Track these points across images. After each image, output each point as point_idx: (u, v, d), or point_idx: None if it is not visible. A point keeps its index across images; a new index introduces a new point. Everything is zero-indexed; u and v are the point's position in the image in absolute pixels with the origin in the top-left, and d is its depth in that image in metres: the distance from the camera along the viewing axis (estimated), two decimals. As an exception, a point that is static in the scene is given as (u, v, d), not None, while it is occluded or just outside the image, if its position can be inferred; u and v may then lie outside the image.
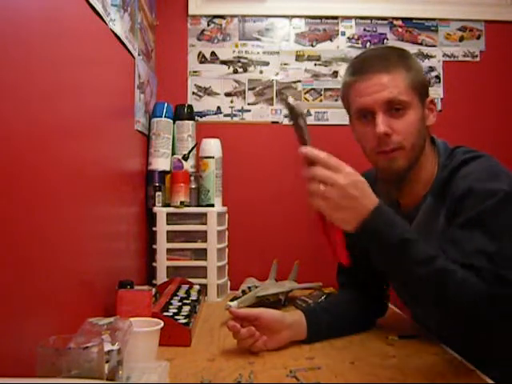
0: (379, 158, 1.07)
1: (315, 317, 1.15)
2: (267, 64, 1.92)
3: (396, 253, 0.88)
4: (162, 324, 0.97)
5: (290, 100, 0.92)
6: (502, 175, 1.01)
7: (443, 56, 1.94)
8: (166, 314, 1.16)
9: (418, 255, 0.88)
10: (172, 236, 1.62)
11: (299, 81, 1.92)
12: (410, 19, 1.94)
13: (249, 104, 1.91)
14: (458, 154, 1.09)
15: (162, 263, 1.61)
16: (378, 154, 1.06)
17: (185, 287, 1.45)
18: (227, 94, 1.91)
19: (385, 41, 1.93)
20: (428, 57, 1.94)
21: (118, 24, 1.29)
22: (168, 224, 1.62)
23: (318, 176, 0.86)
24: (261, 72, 1.92)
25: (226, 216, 1.74)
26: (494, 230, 0.96)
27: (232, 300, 1.33)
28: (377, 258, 0.93)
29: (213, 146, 1.72)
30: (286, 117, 1.91)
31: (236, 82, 1.91)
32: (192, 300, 1.33)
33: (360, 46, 1.93)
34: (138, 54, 1.54)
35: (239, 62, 1.92)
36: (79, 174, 1.02)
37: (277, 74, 1.92)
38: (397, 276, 0.95)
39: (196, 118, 1.86)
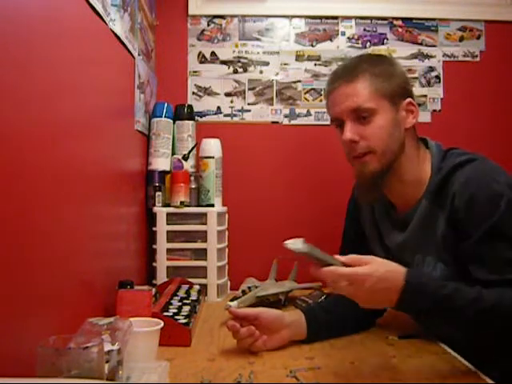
0: (354, 162, 1.11)
1: (315, 316, 1.15)
2: (267, 64, 1.92)
3: (437, 314, 0.92)
4: (162, 324, 0.97)
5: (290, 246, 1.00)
6: (501, 177, 1.02)
7: (443, 56, 1.94)
8: (166, 313, 1.16)
9: (462, 303, 0.90)
10: (172, 236, 1.62)
11: (299, 81, 1.92)
12: (410, 19, 1.94)
13: (249, 104, 1.91)
14: (452, 156, 1.09)
15: (162, 263, 1.61)
16: (352, 158, 1.10)
17: (185, 287, 1.45)
18: (227, 94, 1.91)
19: (385, 41, 1.93)
20: (428, 57, 1.93)
21: (118, 24, 1.29)
22: (168, 224, 1.62)
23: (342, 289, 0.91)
24: (261, 72, 1.92)
25: (226, 216, 1.74)
26: (505, 245, 0.97)
27: (232, 300, 1.33)
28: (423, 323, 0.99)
29: (213, 146, 1.72)
30: (285, 116, 1.91)
31: (236, 82, 1.91)
32: (192, 300, 1.33)
33: (360, 46, 1.93)
34: (138, 54, 1.54)
35: (239, 62, 1.92)
36: (79, 174, 1.02)
37: (277, 74, 1.92)
38: (454, 328, 0.97)
39: (196, 118, 1.86)
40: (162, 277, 1.59)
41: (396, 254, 1.17)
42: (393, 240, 1.17)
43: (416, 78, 1.90)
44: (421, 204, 1.09)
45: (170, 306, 1.24)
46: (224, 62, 1.92)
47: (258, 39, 1.92)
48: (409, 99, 1.11)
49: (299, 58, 1.93)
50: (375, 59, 1.15)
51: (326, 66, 1.92)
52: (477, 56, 1.94)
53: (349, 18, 1.93)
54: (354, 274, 0.88)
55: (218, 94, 1.91)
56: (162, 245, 1.61)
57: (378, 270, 0.89)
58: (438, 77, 1.93)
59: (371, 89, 1.07)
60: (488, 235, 0.98)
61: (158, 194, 1.67)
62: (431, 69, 1.93)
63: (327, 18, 1.93)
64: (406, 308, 0.93)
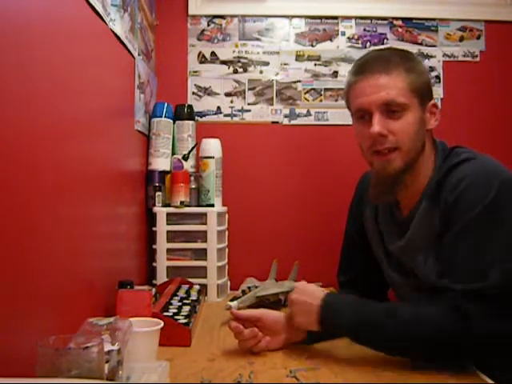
0: (374, 159, 1.07)
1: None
2: (267, 64, 1.92)
3: (359, 335, 1.00)
4: (162, 324, 0.97)
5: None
6: (495, 179, 0.98)
7: (443, 56, 1.94)
8: (166, 314, 1.16)
9: (378, 321, 0.97)
10: (172, 236, 1.62)
11: (299, 81, 1.92)
12: (410, 19, 1.94)
13: (249, 104, 1.91)
14: (453, 155, 1.07)
15: (162, 263, 1.61)
16: (373, 153, 1.06)
17: (185, 287, 1.45)
18: (227, 94, 1.91)
19: (385, 41, 1.93)
20: (428, 57, 1.93)
21: (118, 24, 1.29)
22: (168, 224, 1.62)
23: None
24: (261, 72, 1.92)
25: (226, 216, 1.74)
26: (475, 243, 0.95)
27: (232, 300, 1.33)
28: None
29: (213, 146, 1.72)
30: (285, 116, 1.91)
31: (236, 82, 1.91)
32: (192, 300, 1.33)
33: (360, 46, 1.93)
34: (138, 54, 1.54)
35: (239, 62, 1.92)
36: (79, 174, 1.02)
37: (277, 74, 1.92)
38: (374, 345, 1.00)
39: (196, 118, 1.86)
40: (161, 277, 1.59)
41: (398, 258, 1.16)
42: (394, 243, 1.16)
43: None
44: (421, 205, 1.08)
45: (170, 306, 1.24)
46: (224, 62, 1.91)
47: (258, 39, 1.92)
48: (433, 101, 1.10)
49: (299, 57, 1.93)
50: (406, 54, 1.11)
51: (326, 66, 1.92)
52: (477, 56, 1.94)
53: (349, 18, 1.93)
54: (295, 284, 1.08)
55: (218, 94, 1.91)
56: (161, 245, 1.61)
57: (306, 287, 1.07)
58: (438, 77, 1.93)
59: (405, 83, 1.03)
60: (455, 236, 0.98)
61: (157, 194, 1.67)
62: (431, 69, 1.93)
63: (327, 17, 1.93)
64: (326, 322, 1.02)
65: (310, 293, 1.04)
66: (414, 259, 1.10)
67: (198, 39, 1.91)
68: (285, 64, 1.92)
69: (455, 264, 0.97)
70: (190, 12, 1.90)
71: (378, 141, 1.04)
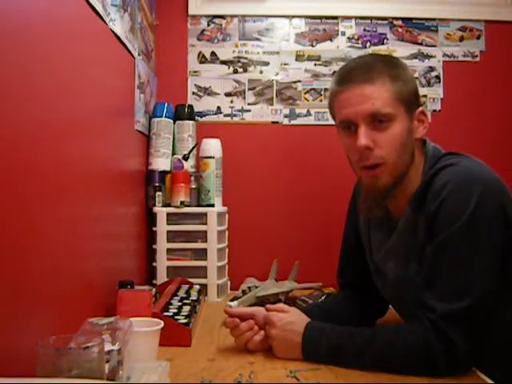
0: (363, 174, 1.04)
1: (313, 317, 1.15)
2: (267, 64, 1.92)
3: (336, 360, 0.98)
4: (162, 324, 0.97)
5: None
6: (476, 185, 0.95)
7: (443, 56, 1.94)
8: (166, 313, 1.16)
9: (354, 351, 0.97)
10: (172, 236, 1.62)
11: (299, 81, 1.92)
12: (410, 19, 1.94)
13: (249, 104, 1.91)
14: (440, 162, 1.03)
15: (162, 263, 1.61)
16: (362, 169, 1.03)
17: (185, 287, 1.45)
18: (227, 94, 1.91)
19: (385, 41, 1.93)
20: (428, 57, 1.93)
21: (118, 24, 1.29)
22: (168, 224, 1.62)
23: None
24: (261, 72, 1.92)
25: (226, 216, 1.74)
26: (455, 258, 0.94)
27: (232, 300, 1.34)
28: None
29: (213, 146, 1.72)
30: (285, 116, 1.91)
31: (236, 82, 1.91)
32: (192, 300, 1.33)
33: (360, 46, 1.93)
34: (138, 54, 1.54)
35: (239, 62, 1.92)
36: (79, 174, 1.02)
37: (277, 74, 1.92)
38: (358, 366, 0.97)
39: (196, 117, 1.86)
40: (162, 277, 1.59)
41: (380, 265, 1.15)
42: (380, 251, 1.14)
43: (416, 78, 1.90)
44: (406, 212, 1.06)
45: (170, 306, 1.24)
46: (224, 62, 1.92)
47: (257, 39, 1.92)
48: (421, 108, 1.05)
49: (299, 57, 1.93)
50: (390, 60, 1.07)
51: (326, 66, 1.92)
52: (477, 56, 1.94)
53: (349, 18, 1.93)
54: (270, 316, 1.05)
55: (218, 94, 1.91)
56: (162, 245, 1.61)
57: (288, 316, 1.05)
58: (438, 77, 1.93)
59: (390, 93, 0.99)
60: (434, 251, 0.96)
61: (158, 193, 1.67)
62: (431, 69, 1.93)
63: (327, 18, 1.93)
64: (309, 351, 1.01)
65: (289, 328, 1.02)
66: (395, 266, 1.09)
67: (198, 39, 1.91)
68: (285, 64, 1.92)
69: (436, 279, 0.96)
70: (190, 12, 1.90)
71: (364, 155, 1.00)
